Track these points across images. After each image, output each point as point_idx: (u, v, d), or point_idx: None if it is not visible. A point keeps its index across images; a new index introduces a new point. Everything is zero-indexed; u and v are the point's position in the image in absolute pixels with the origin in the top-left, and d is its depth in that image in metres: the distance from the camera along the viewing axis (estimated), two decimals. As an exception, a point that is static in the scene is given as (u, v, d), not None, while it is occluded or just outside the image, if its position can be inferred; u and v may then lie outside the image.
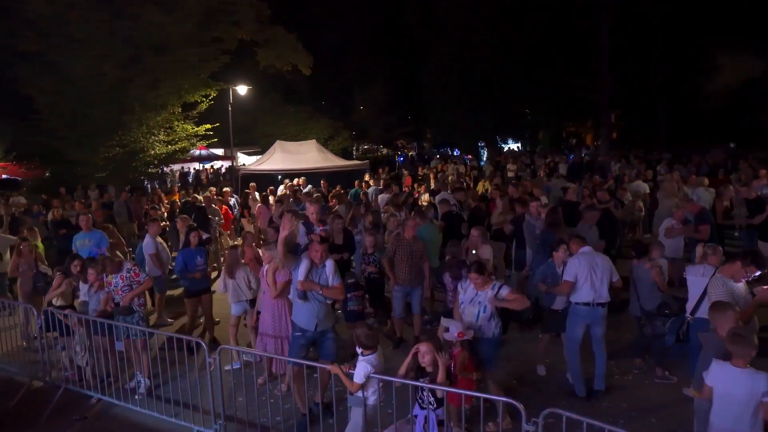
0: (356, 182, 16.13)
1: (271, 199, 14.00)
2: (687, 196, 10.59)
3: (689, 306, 5.91)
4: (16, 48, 18.13)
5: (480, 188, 16.32)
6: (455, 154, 39.93)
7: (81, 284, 7.37)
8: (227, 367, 6.78)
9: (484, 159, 34.23)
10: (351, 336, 5.52)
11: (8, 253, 9.26)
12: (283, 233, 5.38)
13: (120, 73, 18.81)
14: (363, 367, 4.57)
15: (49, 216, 13.37)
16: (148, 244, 8.90)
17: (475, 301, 5.52)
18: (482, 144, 38.80)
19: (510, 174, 19.96)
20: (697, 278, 5.87)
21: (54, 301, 7.12)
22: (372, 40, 40.83)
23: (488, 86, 31.90)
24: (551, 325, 6.65)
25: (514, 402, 3.98)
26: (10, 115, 23.80)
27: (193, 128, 21.44)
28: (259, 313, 6.67)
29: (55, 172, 22.69)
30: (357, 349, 4.73)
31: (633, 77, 30.17)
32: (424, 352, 4.44)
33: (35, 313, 6.97)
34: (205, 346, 5.39)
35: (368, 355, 4.64)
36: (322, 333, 5.57)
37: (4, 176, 34.35)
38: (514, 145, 45.49)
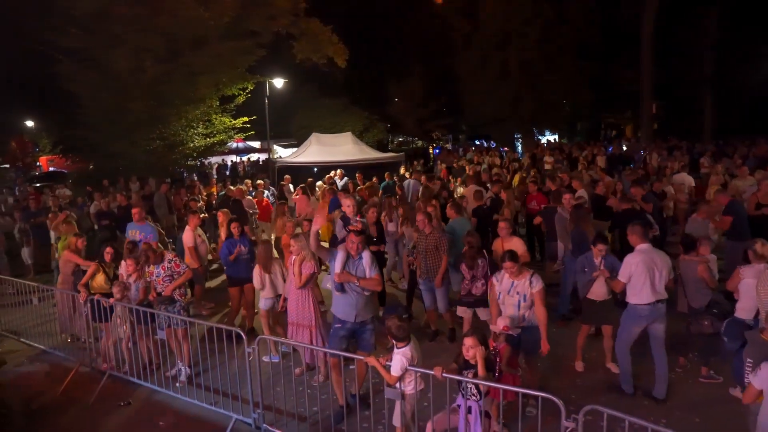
0: (387, 174, 16.10)
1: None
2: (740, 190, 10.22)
3: (747, 307, 5.64)
4: (62, 45, 18.69)
5: (516, 181, 16.09)
6: (491, 146, 39.48)
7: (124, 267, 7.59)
8: (265, 358, 6.87)
9: (519, 150, 33.74)
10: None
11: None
12: (315, 227, 5.40)
13: (160, 68, 19.22)
14: (399, 360, 4.58)
15: (92, 208, 13.76)
16: (187, 236, 9.05)
17: (513, 291, 5.50)
18: (518, 135, 38.23)
19: (547, 166, 19.62)
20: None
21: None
22: (407, 30, 40.62)
23: (526, 76, 31.37)
24: (590, 317, 6.51)
25: (553, 398, 3.92)
26: (57, 110, 24.58)
27: (230, 121, 21.77)
28: (285, 299, 6.77)
29: (98, 164, 23.34)
30: (392, 341, 4.74)
31: (678, 66, 29.24)
32: (468, 345, 4.43)
33: (81, 301, 7.19)
34: (244, 337, 5.47)
35: (402, 347, 4.64)
36: (361, 324, 5.60)
37: (51, 169, 35.63)
38: (551, 137, 44.71)
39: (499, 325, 5.11)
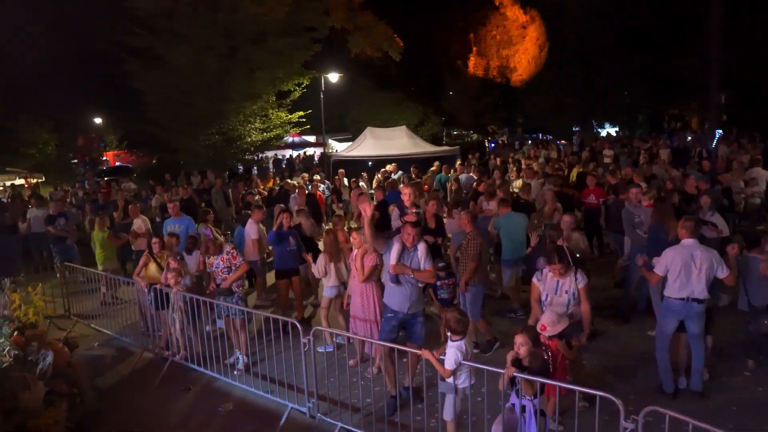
0: (444, 167, 15.99)
1: (362, 184, 14.27)
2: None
3: None
4: (129, 45, 19.52)
5: (574, 174, 15.72)
6: (548, 139, 38.68)
7: (188, 259, 7.86)
8: (320, 349, 6.97)
9: (574, 143, 32.85)
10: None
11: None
12: (366, 216, 5.42)
13: (220, 65, 19.77)
14: (453, 353, 4.54)
15: (154, 201, 14.31)
16: (251, 229, 9.20)
17: (561, 291, 5.37)
18: (576, 128, 37.32)
19: (606, 160, 19.05)
20: None
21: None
22: (463, 22, 40.22)
23: (584, 67, 30.50)
24: None
25: (611, 397, 3.81)
26: (122, 107, 25.70)
27: (286, 116, 22.15)
28: (349, 296, 6.80)
29: (161, 159, 24.27)
30: (446, 334, 4.72)
31: (749, 52, 27.62)
32: (519, 343, 4.34)
33: (145, 290, 7.49)
34: (299, 328, 5.57)
35: (457, 340, 4.61)
36: (413, 315, 5.60)
37: (117, 163, 37.29)
38: (611, 130, 43.39)
39: (541, 327, 4.99)
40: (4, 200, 17.93)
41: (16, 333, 5.52)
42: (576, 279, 5.35)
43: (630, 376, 6.27)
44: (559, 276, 5.36)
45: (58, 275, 9.97)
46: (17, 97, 24.67)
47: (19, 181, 27.18)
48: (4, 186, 24.75)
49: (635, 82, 31.43)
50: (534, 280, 5.61)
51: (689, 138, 26.75)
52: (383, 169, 16.55)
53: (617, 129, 42.56)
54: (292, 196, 12.55)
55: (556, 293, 5.38)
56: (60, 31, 28.62)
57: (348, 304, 6.78)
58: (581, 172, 13.97)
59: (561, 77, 31.07)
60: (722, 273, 5.48)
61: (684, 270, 5.48)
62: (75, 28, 28.99)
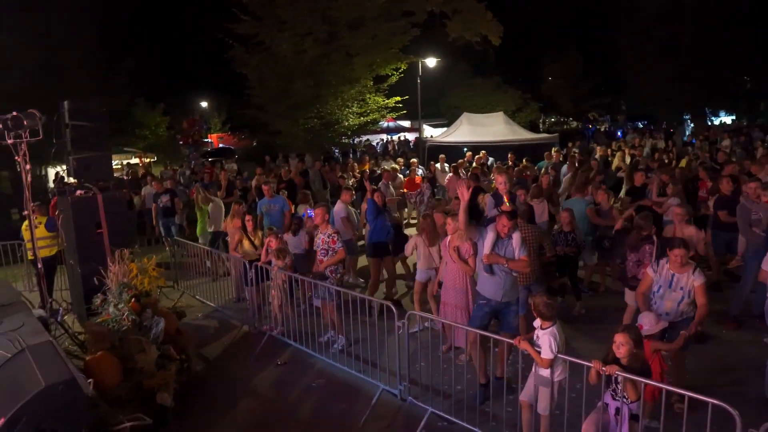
0: (546, 154, 15.50)
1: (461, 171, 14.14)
2: None
3: None
4: (234, 31, 20.41)
5: (683, 165, 14.73)
6: (651, 128, 36.43)
7: (290, 238, 8.13)
8: (412, 330, 6.99)
9: (687, 133, 30.67)
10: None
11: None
12: (463, 201, 5.35)
13: (319, 50, 20.21)
14: (547, 340, 4.39)
15: (254, 182, 14.92)
16: (339, 208, 9.41)
17: (676, 286, 5.06)
18: (687, 117, 34.80)
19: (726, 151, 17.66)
20: None
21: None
22: (564, 5, 38.54)
23: (698, 50, 28.28)
24: None
25: (726, 406, 3.52)
26: (227, 91, 26.90)
27: (383, 100, 22.30)
28: (440, 283, 6.75)
29: (261, 141, 25.29)
30: (535, 323, 4.59)
31: None
32: (619, 342, 4.12)
33: (247, 266, 7.80)
34: (394, 311, 5.61)
35: (548, 327, 4.46)
36: (506, 304, 5.52)
37: (221, 145, 39.22)
38: (725, 118, 40.17)
39: (647, 327, 4.70)
40: (123, 178, 19.39)
41: (133, 300, 5.97)
42: (694, 275, 5.03)
43: (740, 385, 5.77)
44: (675, 269, 5.06)
45: (167, 248, 10.66)
46: (134, 83, 26.54)
47: (134, 161, 29.31)
48: (121, 164, 26.78)
49: (759, 64, 28.73)
50: (649, 270, 5.30)
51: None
52: (477, 156, 16.29)
53: (734, 117, 39.30)
54: (382, 182, 12.62)
55: (671, 287, 5.08)
56: (173, 20, 30.48)
57: (437, 290, 6.76)
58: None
59: (672, 62, 28.96)
60: None
61: None
62: (186, 16, 30.76)
